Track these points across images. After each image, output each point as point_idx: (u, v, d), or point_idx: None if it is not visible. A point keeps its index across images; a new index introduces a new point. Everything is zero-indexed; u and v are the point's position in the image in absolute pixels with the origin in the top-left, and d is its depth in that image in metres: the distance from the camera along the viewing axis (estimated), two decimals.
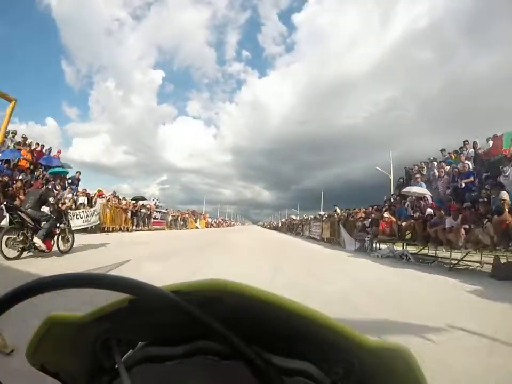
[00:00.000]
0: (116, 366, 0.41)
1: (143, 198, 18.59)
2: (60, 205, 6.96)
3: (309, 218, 25.12)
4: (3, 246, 5.01)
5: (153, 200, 20.99)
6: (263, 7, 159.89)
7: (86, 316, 0.39)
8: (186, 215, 30.78)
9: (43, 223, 5.63)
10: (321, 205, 50.16)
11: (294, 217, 32.81)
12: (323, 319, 0.32)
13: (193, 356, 0.39)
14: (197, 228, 35.70)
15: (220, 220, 57.96)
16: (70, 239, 6.36)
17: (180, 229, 27.80)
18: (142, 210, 18.74)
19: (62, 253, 6.02)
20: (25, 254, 5.39)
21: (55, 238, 5.97)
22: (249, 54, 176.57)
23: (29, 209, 5.55)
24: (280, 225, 48.33)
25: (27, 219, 5.40)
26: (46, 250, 5.64)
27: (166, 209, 23.93)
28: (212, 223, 48.76)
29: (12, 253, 5.12)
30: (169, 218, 24.16)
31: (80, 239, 7.68)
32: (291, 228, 33.51)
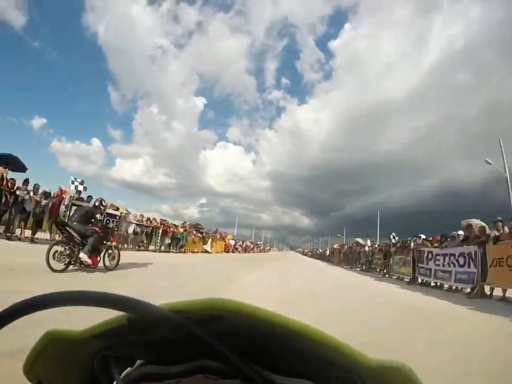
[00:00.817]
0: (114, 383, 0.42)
1: (20, 166, 7.66)
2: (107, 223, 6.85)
3: (417, 239, 11.94)
4: (50, 258, 5.15)
5: (73, 181, 9.70)
6: (300, 34, 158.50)
7: (85, 332, 0.38)
8: (181, 229, 19.15)
9: (89, 238, 5.70)
10: (378, 230, 35.19)
11: (360, 240, 19.58)
12: (324, 337, 0.31)
13: (192, 374, 0.39)
14: (206, 252, 24.18)
15: (248, 243, 45.73)
16: (116, 256, 6.50)
17: (168, 252, 16.42)
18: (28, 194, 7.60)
19: (108, 269, 6.17)
20: (70, 267, 5.55)
21: (101, 255, 6.12)
22: (288, 82, 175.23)
23: (75, 223, 5.72)
24: (328, 253, 34.88)
25: (74, 234, 5.56)
26: (92, 266, 5.76)
27: (117, 208, 12.26)
28: (237, 246, 36.97)
29: (59, 265, 5.28)
30: (131, 228, 12.77)
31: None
32: (351, 260, 20.38)
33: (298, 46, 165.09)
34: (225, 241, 31.11)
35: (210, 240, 25.60)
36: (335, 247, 30.16)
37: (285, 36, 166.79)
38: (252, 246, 45.81)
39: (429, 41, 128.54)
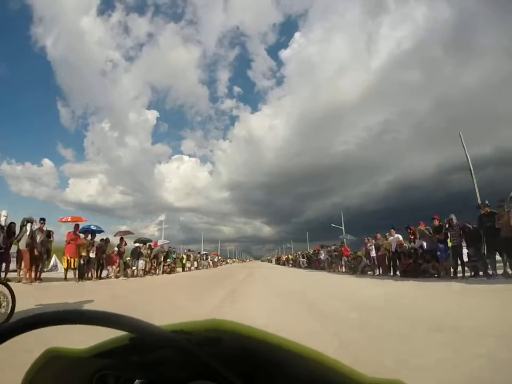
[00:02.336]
0: None
1: None
2: None
3: None
4: None
5: None
6: (251, 44, 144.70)
7: (86, 351, 0.39)
8: None
9: None
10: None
11: None
12: (322, 359, 0.32)
13: None
14: None
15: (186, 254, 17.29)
16: (6, 304, 3.77)
17: None
18: None
19: None
20: None
21: None
22: (241, 90, 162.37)
23: None
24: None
25: None
26: None
27: None
28: (135, 267, 8.87)
29: None
30: None
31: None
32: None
33: (249, 54, 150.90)
34: None
35: None
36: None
37: (236, 45, 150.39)
38: (191, 256, 17.01)
39: (378, 42, 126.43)
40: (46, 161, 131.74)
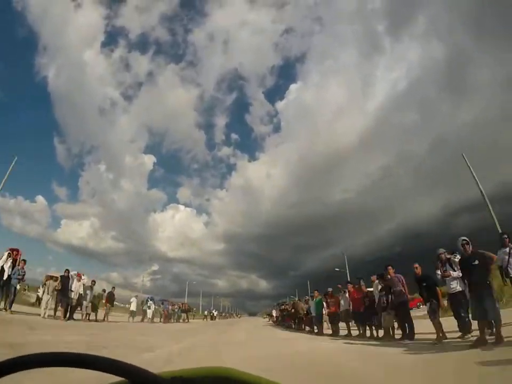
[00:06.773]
0: None
1: None
2: None
3: None
4: None
5: None
6: (249, 87, 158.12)
7: None
8: None
9: None
10: None
11: None
12: None
13: None
14: None
15: None
16: None
17: None
18: None
19: None
20: None
21: None
22: (238, 137, 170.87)
23: None
24: None
25: None
26: None
27: None
28: None
29: None
30: None
31: None
32: None
33: (248, 98, 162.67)
34: None
35: None
36: None
37: (234, 88, 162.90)
38: None
39: (374, 85, 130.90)
40: (40, 199, 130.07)
